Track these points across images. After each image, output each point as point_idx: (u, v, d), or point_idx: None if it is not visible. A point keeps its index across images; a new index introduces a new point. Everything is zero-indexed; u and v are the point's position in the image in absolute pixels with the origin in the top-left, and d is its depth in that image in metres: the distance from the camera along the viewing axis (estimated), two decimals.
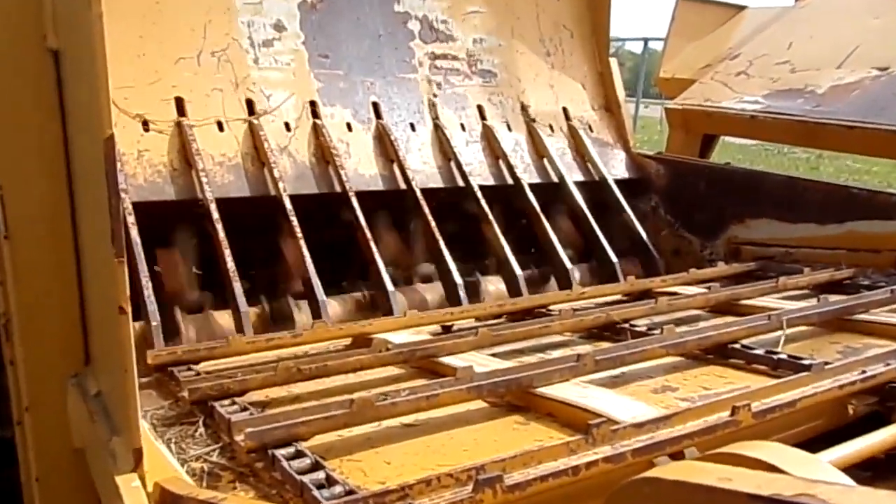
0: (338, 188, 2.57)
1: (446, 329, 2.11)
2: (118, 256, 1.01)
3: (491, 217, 2.76)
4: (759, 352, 1.75)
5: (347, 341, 1.97)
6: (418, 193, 2.66)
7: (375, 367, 1.71)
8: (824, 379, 1.49)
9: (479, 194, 2.80)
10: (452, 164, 2.88)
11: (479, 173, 2.94)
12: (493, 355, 1.83)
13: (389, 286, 2.40)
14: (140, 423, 1.07)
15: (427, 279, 2.70)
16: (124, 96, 2.30)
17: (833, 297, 2.13)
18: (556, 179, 3.09)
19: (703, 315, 2.27)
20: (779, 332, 1.88)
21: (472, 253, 2.84)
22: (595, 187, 3.17)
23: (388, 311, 2.35)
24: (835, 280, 2.46)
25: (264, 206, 2.44)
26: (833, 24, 3.47)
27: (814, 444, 1.22)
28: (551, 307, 2.27)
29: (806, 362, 1.62)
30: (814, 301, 2.12)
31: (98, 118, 0.97)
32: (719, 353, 1.80)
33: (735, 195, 3.08)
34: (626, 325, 2.03)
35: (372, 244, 2.45)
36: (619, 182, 3.20)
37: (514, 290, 2.67)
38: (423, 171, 2.81)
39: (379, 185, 2.68)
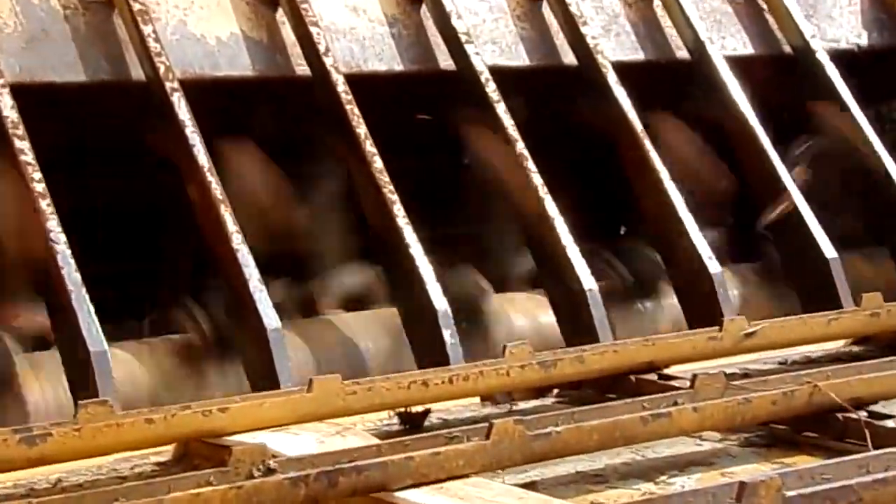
0: (136, 72, 2.64)
1: (412, 422, 2.17)
2: None
3: (521, 146, 2.83)
4: None
5: (168, 451, 2.03)
6: (340, 88, 2.73)
7: None
8: None
9: (489, 89, 2.87)
10: (424, 9, 2.97)
11: (492, 37, 3.02)
12: (527, 486, 1.88)
13: (270, 318, 2.46)
14: None
15: (363, 300, 2.79)
16: None
17: None
18: (681, 53, 3.19)
19: None
20: None
21: (471, 236, 2.91)
22: (779, 70, 3.26)
23: (270, 379, 2.41)
24: None
25: None
26: None
27: None
28: (671, 369, 2.33)
29: None
30: None
31: None
32: None
33: None
34: (860, 415, 2.08)
35: (224, 211, 2.50)
36: (839, 58, 3.27)
37: (572, 325, 2.75)
38: (355, 32, 2.89)
39: (245, 69, 2.77)
